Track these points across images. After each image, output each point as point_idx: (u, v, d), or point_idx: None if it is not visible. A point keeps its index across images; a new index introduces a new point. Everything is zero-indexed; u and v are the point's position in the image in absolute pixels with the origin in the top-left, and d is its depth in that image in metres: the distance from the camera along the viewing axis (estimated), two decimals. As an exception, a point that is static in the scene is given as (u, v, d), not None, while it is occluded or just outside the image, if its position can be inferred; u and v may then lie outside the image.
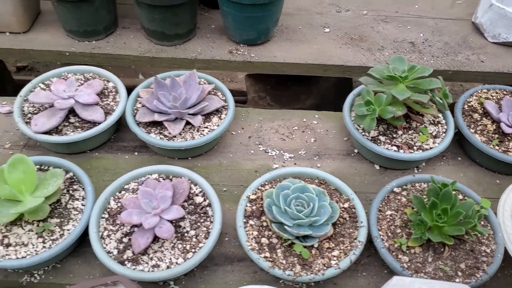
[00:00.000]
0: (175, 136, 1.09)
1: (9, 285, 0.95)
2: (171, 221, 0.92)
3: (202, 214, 0.96)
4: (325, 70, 1.40)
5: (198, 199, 0.98)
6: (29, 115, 1.12)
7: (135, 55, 1.38)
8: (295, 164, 1.13)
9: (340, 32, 1.48)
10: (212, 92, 1.18)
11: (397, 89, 1.05)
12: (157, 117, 1.08)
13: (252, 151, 1.16)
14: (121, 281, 0.75)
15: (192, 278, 0.94)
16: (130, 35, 1.43)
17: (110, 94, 1.18)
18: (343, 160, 1.16)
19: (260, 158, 1.15)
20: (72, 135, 1.07)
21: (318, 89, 2.21)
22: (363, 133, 1.11)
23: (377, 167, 1.14)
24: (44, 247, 0.90)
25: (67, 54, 1.39)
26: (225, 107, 1.15)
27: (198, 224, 0.95)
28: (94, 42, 1.40)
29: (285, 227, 0.90)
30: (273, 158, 1.15)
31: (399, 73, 1.08)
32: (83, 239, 0.97)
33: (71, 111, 1.12)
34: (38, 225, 0.93)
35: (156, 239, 0.92)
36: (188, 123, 1.10)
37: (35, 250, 0.90)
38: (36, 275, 0.94)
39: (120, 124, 1.18)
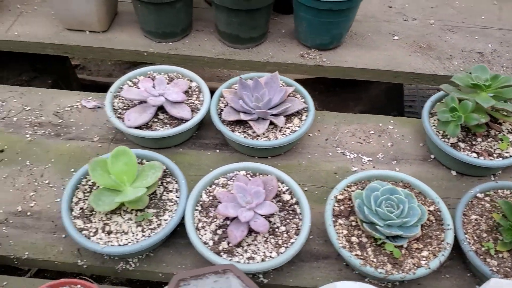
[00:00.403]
0: (258, 135, 1.13)
1: (105, 271, 1.00)
2: (264, 216, 0.95)
3: (290, 212, 1.00)
4: (395, 77, 1.42)
5: (286, 197, 1.02)
6: (119, 111, 1.18)
7: (210, 56, 1.43)
8: (373, 167, 1.16)
9: (408, 40, 1.50)
10: (291, 95, 1.21)
11: (481, 97, 1.07)
12: (243, 116, 1.12)
13: (330, 153, 1.19)
14: (231, 269, 0.78)
15: (280, 272, 0.98)
16: (204, 38, 1.48)
17: (194, 93, 1.22)
18: (420, 165, 1.18)
19: (338, 160, 1.18)
20: (162, 131, 1.12)
21: (368, 96, 2.23)
22: (443, 139, 1.13)
23: (454, 173, 1.16)
24: (143, 235, 0.95)
25: (145, 54, 1.44)
26: (305, 109, 1.18)
27: (287, 220, 0.98)
28: (170, 43, 1.45)
29: (377, 227, 0.92)
30: (352, 161, 1.17)
31: (482, 81, 1.10)
32: (174, 230, 1.01)
33: (159, 108, 1.17)
34: (136, 215, 0.98)
35: (249, 232, 0.95)
36: (271, 123, 1.14)
37: (136, 238, 0.94)
38: (131, 262, 0.98)
39: (201, 122, 1.23)
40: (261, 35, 1.44)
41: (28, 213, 1.05)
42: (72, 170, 1.14)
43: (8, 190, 1.09)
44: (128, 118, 1.12)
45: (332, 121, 1.27)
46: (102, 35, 1.48)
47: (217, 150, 1.19)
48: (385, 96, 2.16)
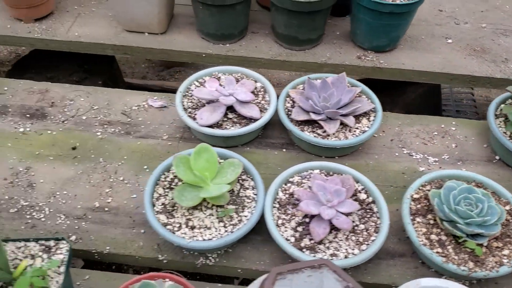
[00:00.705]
0: (328, 135, 1.14)
1: (185, 266, 1.02)
2: (344, 214, 0.97)
3: (368, 210, 1.01)
4: (451, 79, 1.43)
5: (362, 196, 1.03)
6: (189, 110, 1.20)
7: (267, 58, 1.45)
8: (440, 168, 1.17)
9: (462, 43, 1.51)
10: (357, 95, 1.23)
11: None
12: (313, 116, 1.14)
13: (397, 154, 1.21)
14: (327, 264, 0.80)
15: (358, 269, 0.99)
16: (260, 39, 1.51)
17: (259, 93, 1.25)
18: (485, 166, 1.19)
19: (405, 160, 1.19)
20: (234, 129, 1.14)
21: (403, 100, 2.24)
22: (511, 140, 1.14)
23: (521, 174, 1.17)
24: (226, 231, 0.96)
25: (204, 55, 1.47)
26: (372, 109, 1.20)
27: (366, 219, 1.00)
28: (228, 45, 1.48)
29: (457, 225, 0.93)
30: (418, 161, 1.18)
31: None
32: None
33: (228, 107, 1.19)
34: (217, 210, 1.00)
35: (329, 230, 0.96)
36: (340, 123, 1.16)
37: (219, 233, 0.96)
38: (210, 257, 1.00)
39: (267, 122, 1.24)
40: (318, 37, 1.46)
41: (106, 209, 1.08)
42: (145, 167, 1.16)
43: (84, 186, 1.12)
44: (200, 117, 1.15)
45: (395, 122, 1.29)
46: (160, 37, 1.50)
47: (284, 150, 1.21)
48: (421, 99, 2.17)
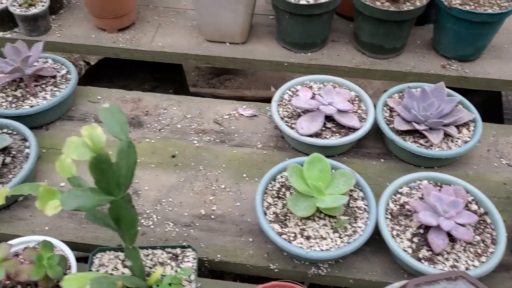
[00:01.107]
0: (431, 145, 1.14)
1: (296, 275, 1.02)
2: (462, 225, 0.96)
3: (481, 222, 1.00)
4: (539, 88, 1.41)
5: (473, 207, 1.02)
6: (285, 119, 1.21)
7: (350, 66, 1.45)
8: (543, 178, 1.15)
9: (546, 51, 1.49)
10: (455, 105, 1.22)
11: None
12: (417, 126, 1.14)
13: (495, 164, 1.19)
14: (464, 276, 0.79)
15: (473, 282, 0.98)
16: (341, 48, 1.51)
17: (355, 102, 1.25)
18: None
19: (504, 171, 1.18)
20: (334, 139, 1.15)
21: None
22: None
23: None
24: (342, 241, 0.96)
25: (285, 64, 1.48)
26: (473, 120, 1.19)
27: (480, 230, 0.99)
28: (309, 54, 1.48)
29: None
30: (519, 172, 1.17)
31: None
32: (359, 237, 1.02)
33: (326, 117, 1.19)
34: (329, 221, 1.00)
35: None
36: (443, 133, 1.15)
37: (336, 244, 0.96)
38: (322, 267, 1.00)
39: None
40: (402, 45, 1.46)
41: (212, 217, 1.09)
42: (244, 175, 1.17)
43: (188, 193, 1.13)
44: (300, 127, 1.15)
45: (490, 132, 1.27)
46: (241, 46, 1.52)
47: (381, 160, 1.21)
48: (481, 107, 2.14)
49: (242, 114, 1.32)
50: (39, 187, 0.77)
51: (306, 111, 1.20)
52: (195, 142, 1.25)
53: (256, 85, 2.62)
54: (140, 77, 1.88)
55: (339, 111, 1.18)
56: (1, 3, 1.52)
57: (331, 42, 1.53)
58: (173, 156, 1.21)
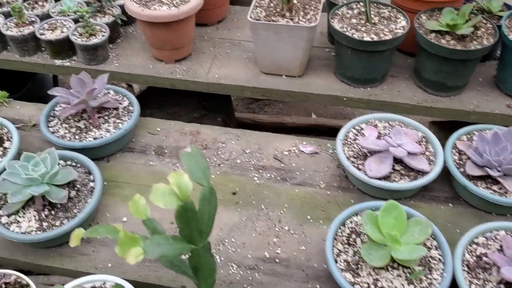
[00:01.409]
0: (506, 192, 1.09)
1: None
2: (549, 283, 0.90)
3: None
4: None
5: (557, 261, 0.96)
6: (351, 159, 1.18)
7: (412, 104, 1.42)
8: None
9: None
10: (527, 149, 1.17)
11: None
12: (490, 172, 1.09)
13: None
14: None
15: None
16: (401, 84, 1.48)
17: (422, 143, 1.21)
18: None
19: None
20: (405, 183, 1.11)
21: None
22: None
23: None
24: (418, 294, 0.92)
25: (344, 99, 1.45)
26: (548, 166, 1.14)
27: None
28: (369, 89, 1.46)
29: None
30: None
31: None
32: (432, 288, 0.98)
33: (394, 159, 1.16)
34: (403, 271, 0.96)
35: (532, 300, 0.90)
36: (517, 180, 1.10)
37: (413, 297, 0.92)
38: (394, 320, 0.96)
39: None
40: (464, 83, 1.42)
41: (277, 260, 1.06)
42: (309, 217, 1.14)
43: (250, 234, 1.11)
44: (369, 169, 1.12)
45: None
46: (298, 79, 1.50)
47: (450, 204, 1.16)
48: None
49: (302, 151, 1.30)
50: (118, 231, 0.75)
51: (373, 152, 1.17)
52: (256, 179, 1.23)
53: (296, 111, 2.60)
54: (189, 105, 1.88)
55: (409, 153, 1.14)
56: (62, 32, 1.55)
57: (390, 78, 1.50)
58: (234, 193, 1.19)
